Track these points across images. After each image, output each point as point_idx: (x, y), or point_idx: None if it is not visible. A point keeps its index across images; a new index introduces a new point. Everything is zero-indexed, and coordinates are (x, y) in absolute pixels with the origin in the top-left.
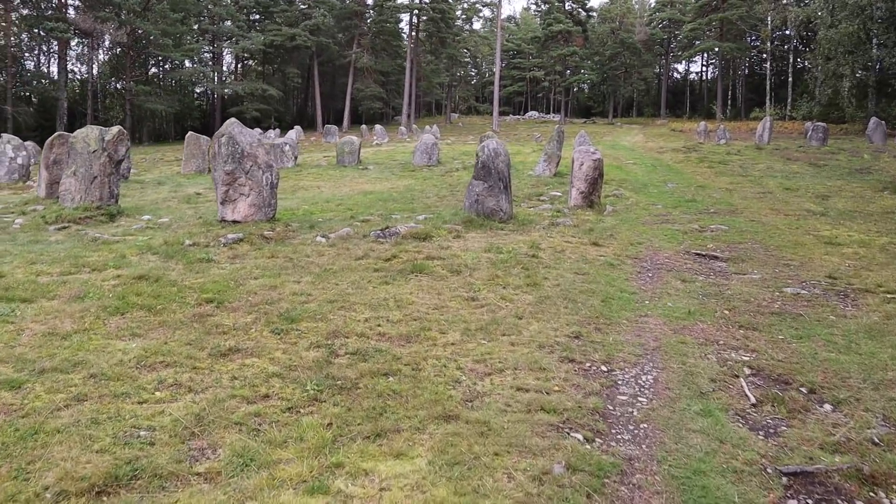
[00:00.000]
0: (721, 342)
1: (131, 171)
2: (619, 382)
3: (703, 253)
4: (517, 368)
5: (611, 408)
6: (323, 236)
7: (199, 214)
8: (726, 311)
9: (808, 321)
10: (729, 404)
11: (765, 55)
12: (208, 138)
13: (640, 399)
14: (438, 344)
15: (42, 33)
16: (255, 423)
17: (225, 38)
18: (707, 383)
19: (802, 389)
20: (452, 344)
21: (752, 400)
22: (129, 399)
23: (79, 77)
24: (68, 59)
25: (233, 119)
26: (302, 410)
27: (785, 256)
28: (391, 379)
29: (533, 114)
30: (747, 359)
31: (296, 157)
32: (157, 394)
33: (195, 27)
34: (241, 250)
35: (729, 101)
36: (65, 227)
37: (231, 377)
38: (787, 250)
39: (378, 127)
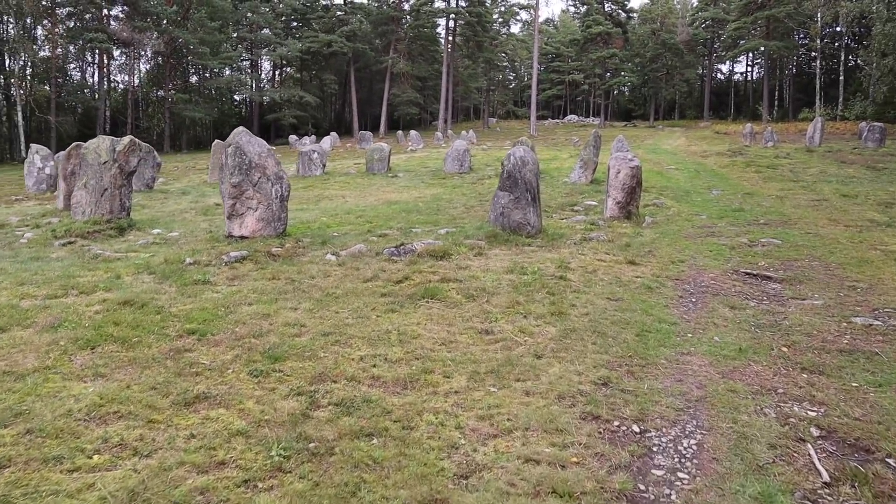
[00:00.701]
0: (780, 391)
1: (158, 180)
2: (655, 449)
3: (755, 273)
4: (529, 429)
5: (642, 488)
6: (333, 254)
7: (211, 228)
8: (784, 348)
9: (887, 362)
10: (794, 482)
11: (814, 53)
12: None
13: (680, 475)
14: (440, 392)
15: (83, 44)
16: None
17: (262, 45)
18: (765, 451)
19: (890, 462)
20: (456, 392)
21: (825, 477)
22: (59, 465)
23: (121, 86)
24: (111, 69)
25: (241, 128)
26: (260, 485)
27: (849, 276)
28: (375, 441)
29: (572, 117)
30: (814, 415)
31: (324, 165)
32: (96, 458)
33: (233, 35)
34: (243, 270)
35: (776, 102)
36: (70, 242)
37: (189, 435)
38: (852, 269)
39: (413, 133)
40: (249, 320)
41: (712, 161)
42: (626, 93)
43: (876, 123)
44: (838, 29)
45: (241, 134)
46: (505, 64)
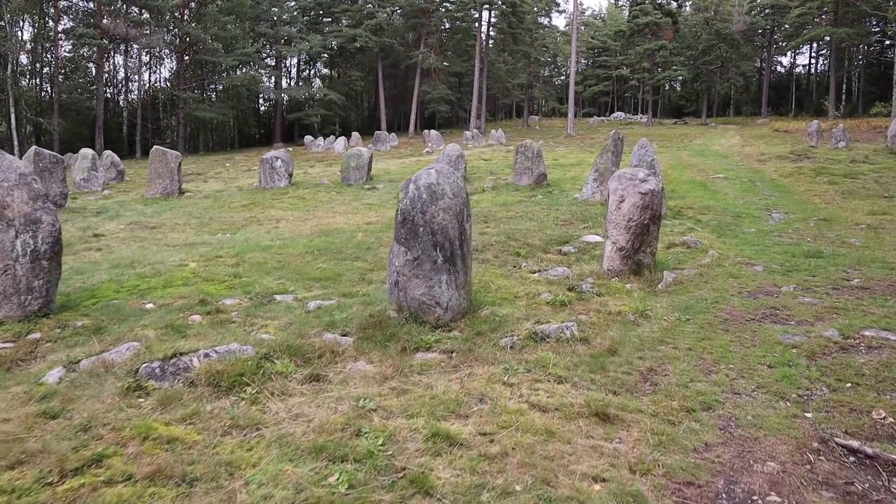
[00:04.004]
0: None
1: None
2: None
3: (871, 453)
4: None
5: None
6: (66, 367)
7: None
8: None
9: None
10: None
11: (892, 40)
12: (178, 154)
13: None
14: None
15: (74, 42)
16: None
17: (283, 41)
18: None
19: None
20: None
21: None
22: None
23: (136, 86)
24: (116, 67)
25: None
26: None
27: None
28: None
29: (619, 115)
30: None
31: (290, 175)
32: None
33: (250, 31)
34: None
35: (843, 96)
36: None
37: None
38: None
39: (433, 132)
40: None
41: (771, 167)
42: (678, 88)
43: None
44: None
45: None
46: (548, 59)
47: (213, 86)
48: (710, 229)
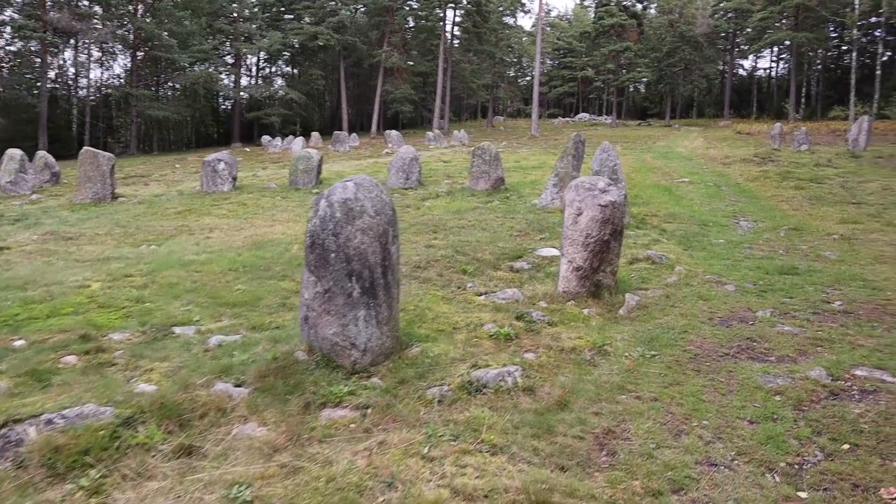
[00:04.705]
0: None
1: (34, 196)
2: None
3: None
4: None
5: None
6: None
7: None
8: None
9: None
10: None
11: (846, 46)
12: (110, 156)
13: None
14: None
15: (14, 34)
16: None
17: (242, 38)
18: None
19: None
20: None
21: None
22: None
23: (87, 83)
24: (78, 64)
25: None
26: None
27: None
28: None
29: (584, 116)
30: None
31: (234, 179)
32: None
33: (207, 27)
34: None
35: (802, 100)
36: None
37: None
38: None
39: (394, 133)
40: None
41: (737, 170)
42: (642, 90)
43: None
44: (873, 20)
45: None
46: (513, 59)
47: (169, 83)
48: (677, 240)
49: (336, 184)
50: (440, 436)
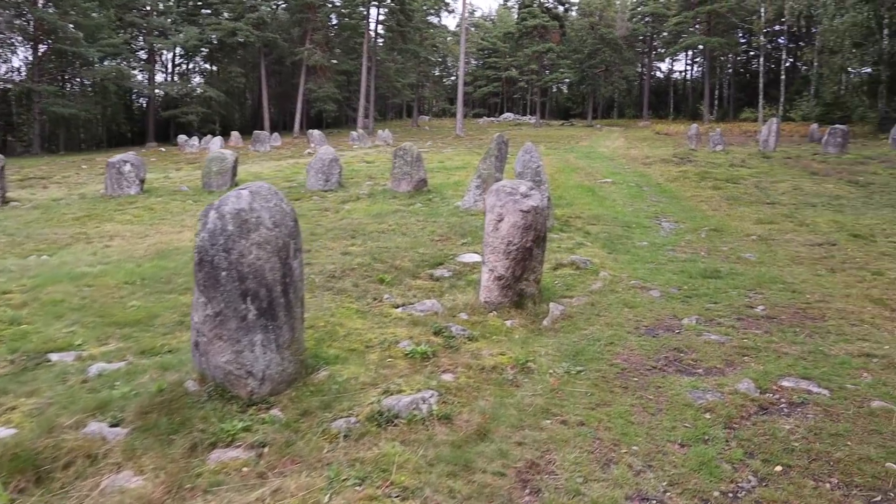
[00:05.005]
0: None
1: None
2: None
3: None
4: None
5: None
6: None
7: None
8: None
9: None
10: None
11: (753, 52)
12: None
13: None
14: None
15: None
16: None
17: (155, 32)
18: None
19: None
20: None
21: None
22: None
23: None
24: None
25: None
26: None
27: None
28: None
29: (508, 115)
30: None
31: (142, 181)
32: None
33: (117, 20)
34: None
35: (716, 102)
36: None
37: None
38: None
39: (316, 132)
40: None
41: (657, 171)
42: (565, 90)
43: (839, 126)
44: (777, 28)
45: None
46: (438, 59)
47: (77, 79)
48: (601, 243)
49: (229, 192)
50: (344, 480)
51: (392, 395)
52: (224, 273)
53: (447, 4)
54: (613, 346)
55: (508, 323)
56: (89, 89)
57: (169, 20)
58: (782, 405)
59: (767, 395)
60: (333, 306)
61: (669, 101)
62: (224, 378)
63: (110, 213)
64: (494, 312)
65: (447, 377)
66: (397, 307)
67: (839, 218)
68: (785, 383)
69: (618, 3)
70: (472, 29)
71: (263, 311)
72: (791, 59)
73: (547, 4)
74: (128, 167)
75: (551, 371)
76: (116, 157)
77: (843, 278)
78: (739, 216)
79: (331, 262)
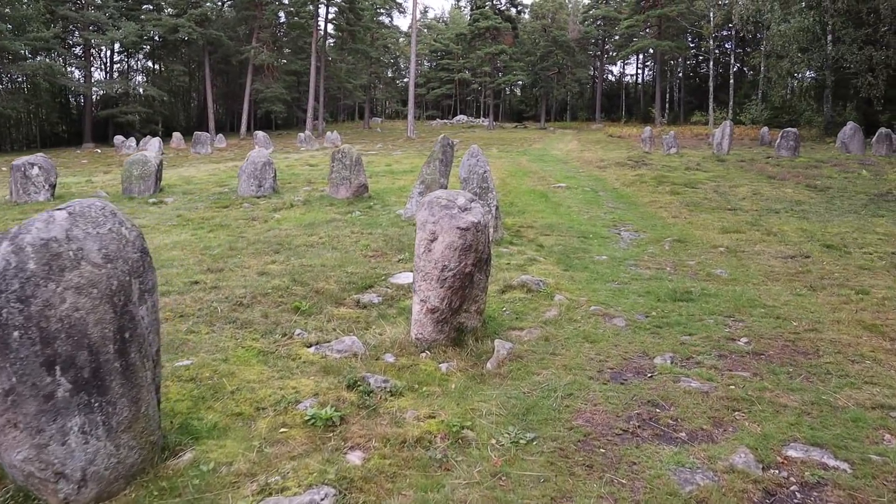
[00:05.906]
0: None
1: None
2: None
3: None
4: None
5: None
6: None
7: None
8: None
9: None
10: None
11: (702, 56)
12: None
13: None
14: None
15: None
16: None
17: (91, 27)
18: None
19: None
20: None
21: None
22: None
23: None
24: None
25: None
26: None
27: None
28: None
29: (461, 118)
30: None
31: (52, 186)
32: None
33: (47, 12)
34: None
35: (667, 105)
36: None
37: None
38: None
39: (260, 134)
40: None
41: (613, 174)
42: (518, 92)
43: (791, 130)
44: (726, 32)
45: None
46: (389, 60)
47: (4, 74)
48: (555, 258)
49: (37, 216)
50: None
51: (274, 493)
52: (17, 333)
53: (399, 4)
54: (573, 398)
55: (443, 367)
56: (16, 86)
57: (106, 14)
58: (793, 489)
59: (772, 471)
60: (231, 346)
61: (622, 104)
62: (25, 480)
63: (8, 223)
64: (427, 352)
65: (354, 458)
66: (310, 346)
67: (806, 226)
68: (792, 453)
69: (570, 5)
70: (425, 30)
71: (84, 384)
72: (739, 64)
73: (499, 6)
74: (35, 170)
75: (494, 441)
76: (21, 159)
77: (827, 299)
78: (703, 224)
79: (243, 284)
